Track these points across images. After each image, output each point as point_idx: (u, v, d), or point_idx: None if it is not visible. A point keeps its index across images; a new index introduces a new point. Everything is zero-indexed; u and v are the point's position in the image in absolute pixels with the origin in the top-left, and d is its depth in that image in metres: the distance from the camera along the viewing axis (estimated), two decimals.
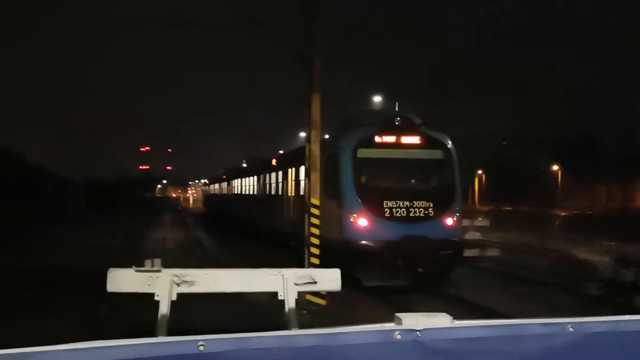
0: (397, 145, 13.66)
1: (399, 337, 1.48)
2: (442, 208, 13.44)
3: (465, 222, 18.72)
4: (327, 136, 15.57)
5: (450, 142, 14.34)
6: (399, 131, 13.69)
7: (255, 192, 26.96)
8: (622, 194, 50.15)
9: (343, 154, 13.47)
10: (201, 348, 1.38)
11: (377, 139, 13.64)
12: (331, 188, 13.43)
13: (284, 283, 3.13)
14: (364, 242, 12.81)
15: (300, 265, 11.08)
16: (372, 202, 13.02)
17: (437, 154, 14.11)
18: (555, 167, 57.94)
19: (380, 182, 13.59)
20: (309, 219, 11.48)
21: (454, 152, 14.26)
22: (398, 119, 13.84)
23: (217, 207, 44.47)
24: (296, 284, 3.23)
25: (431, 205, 13.28)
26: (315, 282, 3.27)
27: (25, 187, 32.13)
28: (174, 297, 2.99)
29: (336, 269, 3.47)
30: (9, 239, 21.23)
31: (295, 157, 18.06)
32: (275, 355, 1.40)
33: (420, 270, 13.14)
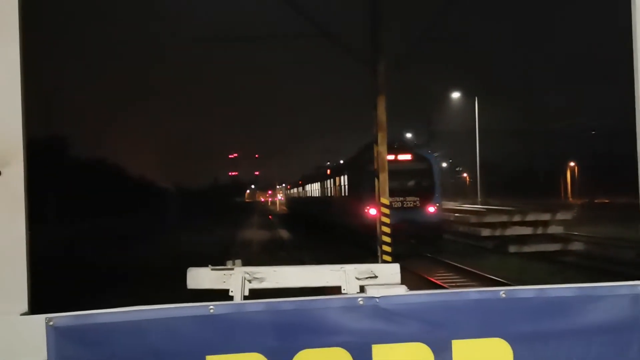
0: (395, 160, 19.18)
1: (361, 302, 1.94)
2: (425, 201, 20.09)
3: (546, 216, 18.31)
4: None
5: (432, 157, 22.00)
6: (396, 151, 19.73)
7: (318, 194, 34.40)
8: None
9: (361, 167, 20.20)
10: (211, 310, 1.90)
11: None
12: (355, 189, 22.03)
13: (346, 278, 3.51)
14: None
15: (374, 259, 11.52)
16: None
17: (421, 165, 20.61)
18: None
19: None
20: (380, 218, 11.88)
21: (434, 163, 21.52)
22: (396, 144, 20.68)
23: (295, 208, 52.82)
24: (357, 278, 3.49)
25: (417, 199, 19.99)
26: (375, 277, 3.51)
27: (125, 197, 34.59)
28: (247, 293, 3.42)
29: (396, 264, 3.68)
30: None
31: (338, 169, 27.78)
32: (262, 315, 1.91)
33: (412, 241, 18.77)
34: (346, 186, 24.50)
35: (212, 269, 3.65)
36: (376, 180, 12.28)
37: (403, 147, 21.22)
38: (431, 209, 20.13)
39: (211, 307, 1.91)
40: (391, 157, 17.20)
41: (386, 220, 11.73)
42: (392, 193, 15.67)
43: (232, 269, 3.61)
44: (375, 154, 12.19)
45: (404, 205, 19.51)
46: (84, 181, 31.62)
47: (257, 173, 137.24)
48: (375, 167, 12.26)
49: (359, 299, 1.96)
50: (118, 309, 1.88)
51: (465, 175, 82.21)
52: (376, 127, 11.69)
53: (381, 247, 11.86)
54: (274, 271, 3.75)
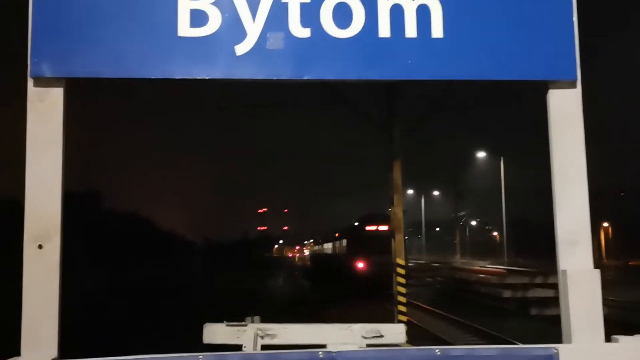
0: (377, 230, 27.76)
1: (321, 355, 2.39)
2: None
3: None
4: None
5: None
6: (373, 220, 28.83)
7: (330, 252, 41.29)
8: None
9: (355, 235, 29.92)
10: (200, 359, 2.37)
11: (367, 225, 29.05)
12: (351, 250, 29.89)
13: (353, 336, 3.53)
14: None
15: (390, 319, 11.76)
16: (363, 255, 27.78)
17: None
18: None
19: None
20: (395, 278, 12.18)
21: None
22: (372, 215, 29.77)
23: (316, 264, 58.29)
24: (364, 337, 3.77)
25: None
26: (381, 336, 3.78)
27: (154, 251, 35.38)
28: (259, 349, 3.52)
29: (401, 324, 3.98)
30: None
31: (342, 233, 35.10)
32: None
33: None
34: (345, 247, 32.33)
35: (227, 325, 4.06)
36: (392, 240, 12.66)
37: (377, 217, 28.62)
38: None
39: (200, 356, 2.38)
40: (373, 227, 28.38)
41: (402, 280, 12.02)
42: (372, 252, 25.71)
43: (246, 325, 4.01)
44: (392, 215, 12.61)
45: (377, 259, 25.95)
46: (116, 234, 32.58)
47: (285, 228, 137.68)
48: (392, 227, 12.66)
49: (320, 353, 2.41)
50: (120, 357, 2.36)
51: (495, 233, 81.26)
52: (392, 189, 12.16)
53: (397, 307, 12.09)
54: (285, 328, 4.13)
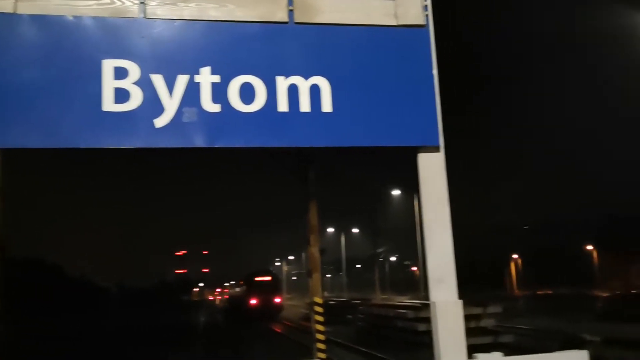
0: (261, 279, 41.26)
1: None
2: (275, 294, 40.11)
3: (478, 310, 19.51)
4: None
5: (277, 275, 49.55)
6: (259, 274, 42.44)
7: (237, 295, 51.27)
8: None
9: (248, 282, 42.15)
10: None
11: (255, 277, 41.82)
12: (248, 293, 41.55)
13: None
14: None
15: (310, 355, 12.13)
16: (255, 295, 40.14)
17: (274, 279, 43.23)
18: (589, 247, 57.45)
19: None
20: (313, 316, 12.56)
21: (278, 276, 47.99)
22: (259, 270, 44.58)
23: (229, 305, 64.88)
24: None
25: (270, 295, 39.40)
26: None
27: (63, 297, 33.92)
28: None
29: None
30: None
31: (243, 279, 46.45)
32: None
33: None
34: (245, 290, 42.58)
35: None
36: (309, 280, 13.11)
37: (263, 273, 43.19)
38: (277, 300, 40.22)
39: None
40: (259, 278, 41.21)
41: (319, 318, 12.40)
42: (259, 293, 39.76)
43: None
44: (309, 255, 13.08)
45: (265, 300, 38.80)
46: (23, 280, 31.13)
47: (205, 270, 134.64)
48: (309, 267, 13.12)
49: None
50: None
51: (414, 268, 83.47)
52: (308, 230, 12.67)
53: (315, 345, 12.44)
54: None
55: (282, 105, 3.20)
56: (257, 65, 3.19)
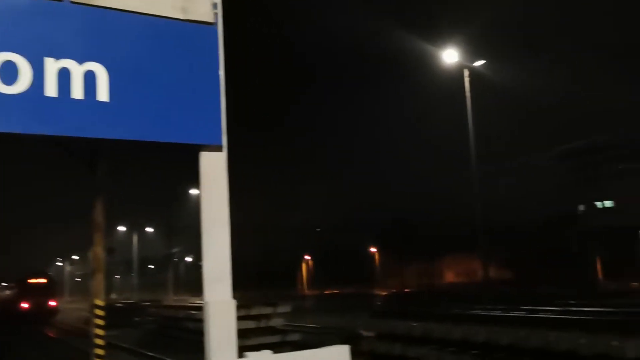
0: (36, 281, 38.96)
1: None
2: (50, 297, 37.46)
3: (268, 310, 20.05)
4: None
5: (52, 276, 45.37)
6: (30, 277, 39.58)
7: (6, 299, 47.23)
8: (432, 271, 55.27)
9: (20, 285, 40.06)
10: None
11: (29, 279, 39.33)
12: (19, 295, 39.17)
13: None
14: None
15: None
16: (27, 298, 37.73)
17: (46, 280, 39.68)
18: (373, 249, 62.51)
19: None
20: (93, 319, 11.75)
21: (54, 278, 45.12)
22: (34, 271, 42.29)
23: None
24: None
25: (45, 297, 37.03)
26: None
27: None
28: None
29: None
30: None
31: (15, 281, 43.88)
32: None
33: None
34: (16, 293, 40.40)
35: None
36: (93, 281, 12.24)
37: (38, 273, 41.34)
38: (52, 303, 38.02)
39: None
40: (33, 280, 38.77)
41: (100, 322, 11.64)
42: (32, 295, 36.69)
43: None
44: (92, 255, 12.22)
45: (38, 303, 36.54)
46: None
47: None
48: (93, 267, 12.25)
49: None
50: None
51: None
52: (92, 228, 11.82)
53: (94, 351, 11.65)
54: None
55: (51, 90, 2.92)
56: (23, 43, 2.86)
